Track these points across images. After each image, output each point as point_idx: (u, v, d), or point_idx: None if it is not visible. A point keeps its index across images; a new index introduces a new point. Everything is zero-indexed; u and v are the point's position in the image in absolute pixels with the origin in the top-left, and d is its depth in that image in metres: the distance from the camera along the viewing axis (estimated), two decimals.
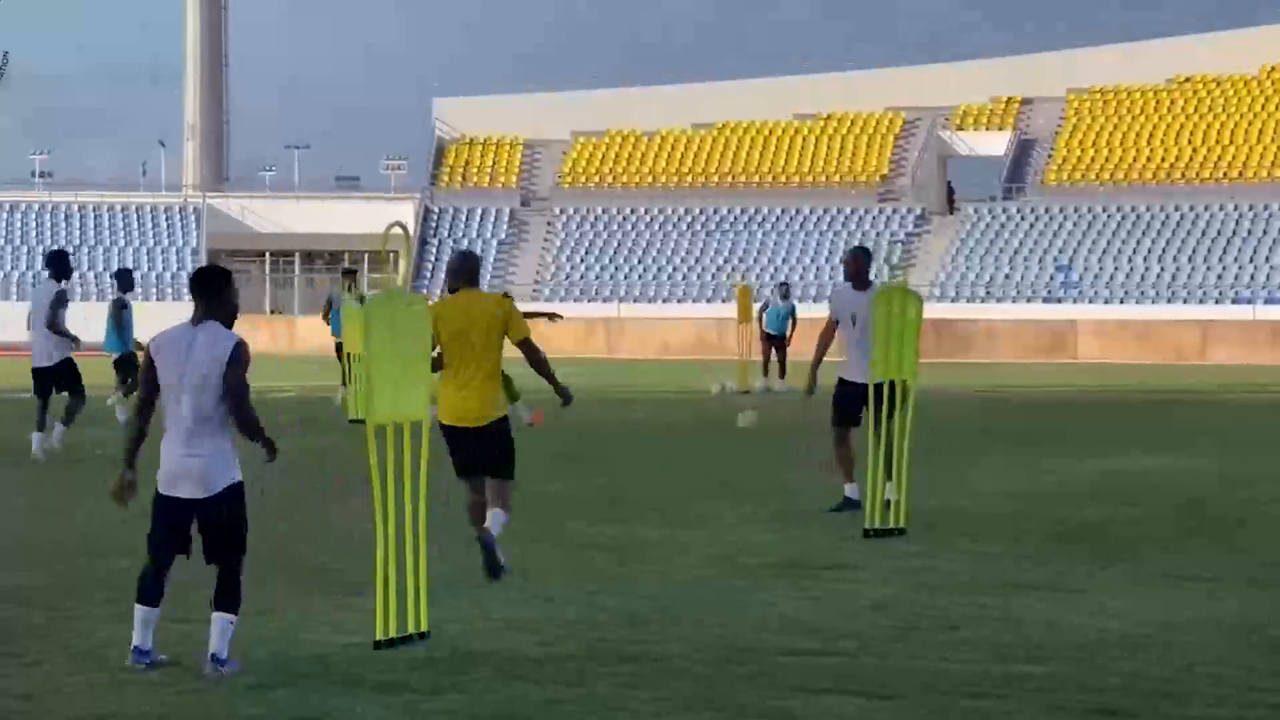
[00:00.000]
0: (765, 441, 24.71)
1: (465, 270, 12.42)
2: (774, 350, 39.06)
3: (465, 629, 10.69)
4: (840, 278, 72.28)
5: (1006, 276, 72.78)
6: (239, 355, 9.45)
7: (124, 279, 27.34)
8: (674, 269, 76.41)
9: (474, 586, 12.06)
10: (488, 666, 9.63)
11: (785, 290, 40.84)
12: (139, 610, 9.55)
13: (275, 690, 9.06)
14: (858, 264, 16.52)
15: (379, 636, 10.17)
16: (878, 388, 15.31)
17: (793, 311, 39.71)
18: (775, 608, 11.37)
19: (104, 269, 78.16)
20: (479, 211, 79.92)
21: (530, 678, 9.37)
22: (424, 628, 10.40)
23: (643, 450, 23.20)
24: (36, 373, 21.89)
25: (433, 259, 78.81)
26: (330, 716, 8.53)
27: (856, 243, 76.20)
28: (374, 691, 9.07)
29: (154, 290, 77.43)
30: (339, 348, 32.14)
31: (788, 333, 39.19)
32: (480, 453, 12.13)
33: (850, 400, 15.99)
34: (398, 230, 11.85)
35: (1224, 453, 22.83)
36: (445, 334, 12.14)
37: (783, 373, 38.40)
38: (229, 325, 9.60)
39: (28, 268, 77.90)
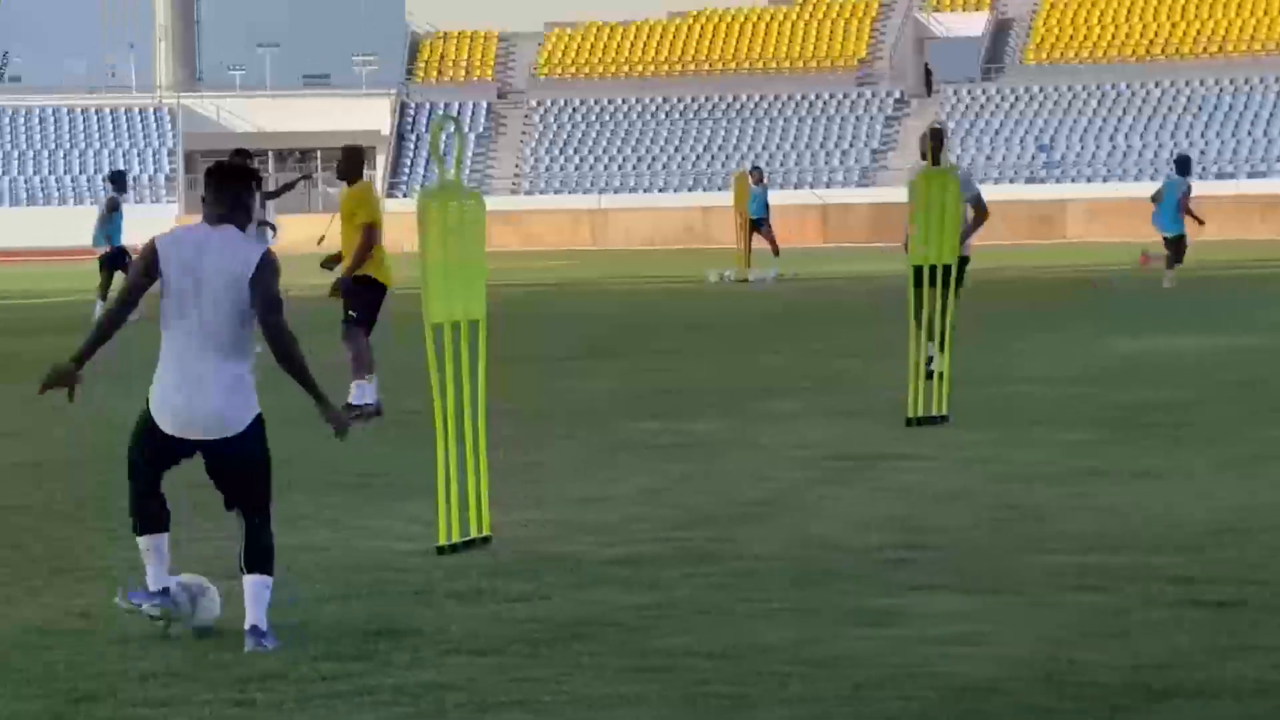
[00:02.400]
0: (791, 328, 24.38)
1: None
2: (758, 234, 38.58)
3: (530, 533, 10.35)
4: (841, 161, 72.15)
5: (988, 158, 72.36)
6: (267, 265, 7.87)
7: (118, 180, 28.58)
8: (654, 158, 75.86)
9: (532, 488, 11.74)
10: (562, 571, 9.28)
11: (760, 174, 40.76)
12: (140, 541, 8.11)
13: (349, 602, 8.70)
14: (931, 142, 15.94)
15: (441, 542, 9.83)
16: (917, 271, 14.97)
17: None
18: (849, 502, 11.05)
19: (80, 172, 77.39)
20: (455, 106, 79.13)
21: (610, 581, 9.02)
22: (486, 531, 10.06)
23: (672, 342, 22.82)
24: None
25: (410, 155, 78.14)
26: (412, 627, 8.17)
27: (836, 127, 75.94)
28: (451, 600, 8.72)
29: (132, 192, 76.66)
30: None
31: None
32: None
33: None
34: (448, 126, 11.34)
35: (1265, 331, 22.39)
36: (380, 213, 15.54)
37: (776, 250, 38.24)
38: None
39: (3, 173, 77.07)
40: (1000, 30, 79.11)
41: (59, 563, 9.75)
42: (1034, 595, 8.49)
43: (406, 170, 77.36)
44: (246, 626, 7.88)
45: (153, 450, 8.01)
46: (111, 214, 28.23)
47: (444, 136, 10.49)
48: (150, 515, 8.09)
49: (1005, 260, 44.61)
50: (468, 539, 9.94)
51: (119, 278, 26.89)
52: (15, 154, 78.17)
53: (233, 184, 8.00)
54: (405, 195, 74.66)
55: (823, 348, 21.54)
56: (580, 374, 19.01)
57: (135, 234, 75.41)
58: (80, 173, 77.58)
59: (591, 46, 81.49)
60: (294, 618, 8.36)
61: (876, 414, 15.06)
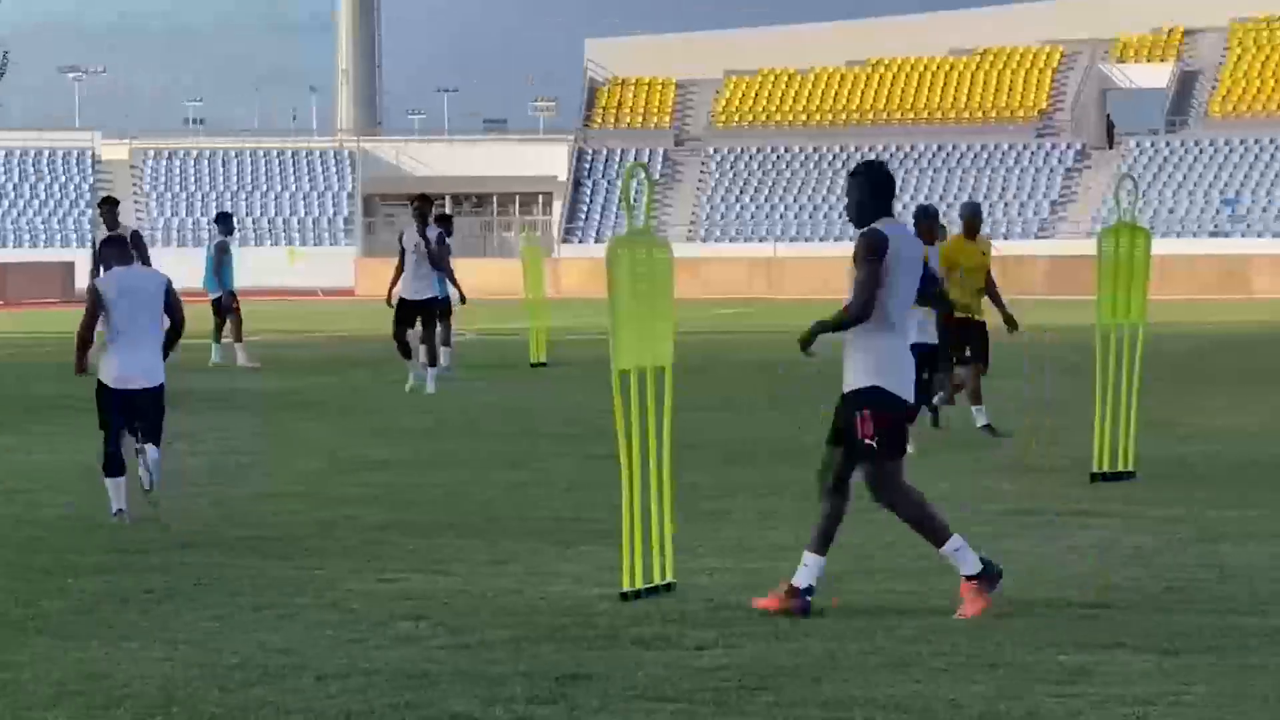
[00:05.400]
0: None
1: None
2: None
3: (715, 581, 10.37)
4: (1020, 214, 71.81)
5: (1171, 211, 71.60)
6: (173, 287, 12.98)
7: (224, 222, 28.47)
8: (830, 207, 75.81)
9: (714, 537, 11.77)
10: (748, 620, 9.29)
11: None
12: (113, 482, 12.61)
13: (538, 646, 8.77)
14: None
15: (626, 587, 9.89)
16: (1105, 332, 14.90)
17: None
18: (1035, 557, 10.98)
19: (261, 214, 78.63)
20: (632, 153, 79.63)
21: (800, 633, 9.03)
22: (671, 578, 10.10)
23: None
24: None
25: (586, 202, 78.62)
26: (600, 673, 8.22)
27: (1015, 178, 75.54)
28: (637, 646, 8.76)
29: (312, 234, 77.78)
30: None
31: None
32: None
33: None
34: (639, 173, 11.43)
35: None
36: None
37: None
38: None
39: (187, 214, 78.46)
40: (1185, 82, 78.35)
41: (260, 598, 9.90)
42: (1224, 656, 8.40)
43: (583, 216, 77.82)
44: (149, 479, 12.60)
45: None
46: (222, 257, 27.95)
47: (634, 184, 10.57)
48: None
49: (1190, 315, 44.11)
50: (652, 585, 9.98)
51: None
52: (199, 195, 79.61)
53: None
54: (581, 241, 75.12)
55: (1003, 401, 21.39)
56: (765, 422, 19.03)
57: (316, 277, 76.12)
58: (262, 214, 78.78)
59: (769, 95, 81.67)
60: (486, 662, 8.45)
61: (1059, 469, 14.96)
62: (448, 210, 69.39)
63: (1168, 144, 75.04)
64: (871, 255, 9.59)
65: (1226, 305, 50.96)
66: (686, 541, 10.87)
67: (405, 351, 23.27)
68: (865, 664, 8.34)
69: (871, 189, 9.72)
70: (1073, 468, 14.76)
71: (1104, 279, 14.87)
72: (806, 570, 9.55)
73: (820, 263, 67.94)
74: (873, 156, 77.43)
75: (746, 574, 10.53)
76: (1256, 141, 73.49)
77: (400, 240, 23.85)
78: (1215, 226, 69.88)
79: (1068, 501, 13.22)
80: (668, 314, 10.30)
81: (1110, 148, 77.30)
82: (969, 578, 9.43)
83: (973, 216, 18.38)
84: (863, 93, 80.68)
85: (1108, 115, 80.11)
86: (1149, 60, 79.38)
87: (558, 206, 79.66)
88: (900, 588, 10.13)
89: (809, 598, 9.48)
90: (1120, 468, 14.47)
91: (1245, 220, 70.33)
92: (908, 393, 9.60)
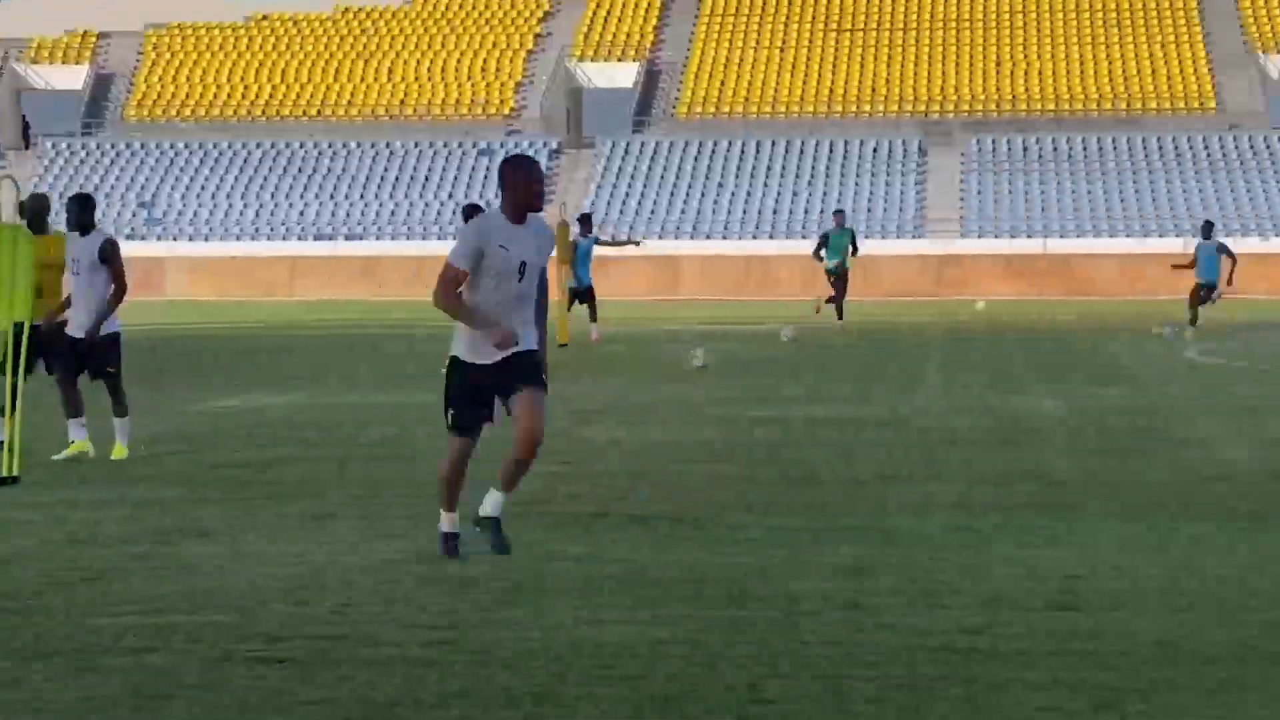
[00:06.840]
0: None
1: None
2: None
3: None
4: None
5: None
6: None
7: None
8: None
9: None
10: None
11: None
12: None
13: None
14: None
15: None
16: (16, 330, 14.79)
17: None
18: None
19: None
20: None
21: None
22: None
23: None
24: None
25: None
26: None
27: None
28: None
29: None
30: None
31: None
32: None
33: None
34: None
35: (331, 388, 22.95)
36: None
37: None
38: None
39: None
40: (101, 85, 78.47)
41: None
42: (77, 658, 8.31)
43: None
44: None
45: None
46: None
47: None
48: None
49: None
50: None
51: None
52: None
53: None
54: None
55: None
56: None
57: None
58: None
59: None
60: None
61: None
62: None
63: (84, 146, 74.88)
64: None
65: (139, 306, 51.31)
66: None
67: None
68: None
69: None
70: None
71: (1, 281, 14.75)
72: None
73: None
74: None
75: None
76: (173, 146, 74.44)
77: None
78: (131, 230, 70.24)
79: None
80: None
81: (27, 148, 76.40)
82: None
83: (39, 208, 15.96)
84: None
85: (24, 116, 79.19)
86: (64, 62, 79.01)
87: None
88: None
89: None
90: (4, 473, 14.28)
91: (161, 224, 71.11)
92: None
